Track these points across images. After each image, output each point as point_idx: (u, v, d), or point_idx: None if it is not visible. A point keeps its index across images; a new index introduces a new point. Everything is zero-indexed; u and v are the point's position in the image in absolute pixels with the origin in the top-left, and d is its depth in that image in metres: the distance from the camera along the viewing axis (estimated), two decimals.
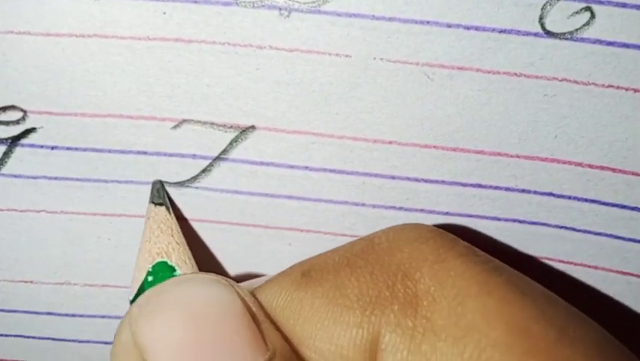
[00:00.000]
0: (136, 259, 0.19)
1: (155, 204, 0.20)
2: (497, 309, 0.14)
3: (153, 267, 0.18)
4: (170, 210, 0.20)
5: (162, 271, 0.18)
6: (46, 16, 0.18)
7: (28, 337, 0.23)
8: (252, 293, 0.16)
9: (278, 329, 0.15)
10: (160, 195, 0.20)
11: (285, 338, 0.15)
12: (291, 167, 0.20)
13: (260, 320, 0.15)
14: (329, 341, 0.15)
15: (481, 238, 0.20)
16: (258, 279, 0.19)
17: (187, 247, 0.19)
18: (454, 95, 0.19)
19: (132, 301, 0.18)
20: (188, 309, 0.14)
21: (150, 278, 0.18)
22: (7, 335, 0.23)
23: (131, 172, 0.20)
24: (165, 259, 0.18)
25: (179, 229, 0.19)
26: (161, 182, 0.20)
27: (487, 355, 0.13)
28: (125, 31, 0.19)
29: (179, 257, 0.18)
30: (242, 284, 0.17)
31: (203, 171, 0.20)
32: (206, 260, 0.21)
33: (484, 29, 0.18)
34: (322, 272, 0.16)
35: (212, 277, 0.16)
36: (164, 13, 0.18)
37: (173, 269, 0.18)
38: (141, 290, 0.18)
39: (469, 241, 0.16)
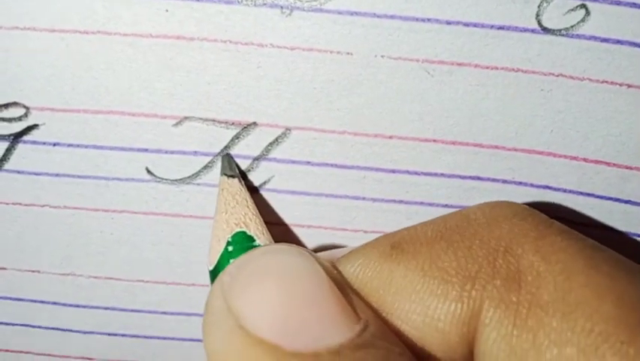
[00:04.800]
0: (212, 230, 0.19)
1: (228, 176, 0.20)
2: (606, 284, 0.14)
3: (232, 237, 0.18)
4: (242, 182, 0.20)
5: (242, 242, 0.18)
6: (51, 12, 0.19)
7: (34, 326, 0.23)
8: (334, 264, 0.16)
9: (364, 300, 0.15)
10: (231, 167, 0.20)
11: (374, 309, 0.15)
12: (293, 162, 0.20)
13: (347, 290, 0.15)
14: (424, 313, 0.15)
15: None
16: (335, 250, 0.19)
17: (261, 219, 0.19)
18: (453, 90, 0.19)
19: (213, 272, 0.18)
20: (280, 277, 0.14)
21: (230, 248, 0.18)
22: (14, 324, 0.23)
23: (132, 169, 0.21)
24: (244, 229, 0.18)
25: (253, 201, 0.19)
26: (229, 155, 0.20)
27: (599, 328, 0.13)
28: (127, 28, 0.19)
29: (257, 228, 0.18)
30: (321, 254, 0.17)
31: (205, 167, 0.20)
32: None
33: (482, 26, 0.18)
34: (415, 245, 0.16)
35: (295, 248, 0.16)
36: (167, 10, 0.18)
37: (252, 239, 0.18)
38: (222, 260, 0.18)
39: None
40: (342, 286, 0.15)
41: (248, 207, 0.19)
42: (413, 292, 0.15)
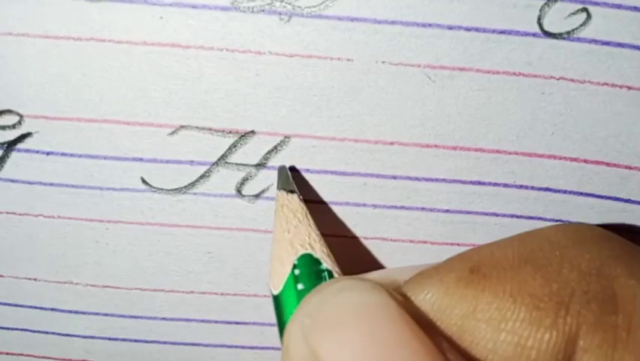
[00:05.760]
0: (273, 250, 0.18)
1: (287, 191, 0.19)
2: None
3: (298, 260, 0.17)
4: (301, 197, 0.19)
5: (308, 265, 0.17)
6: (45, 18, 0.18)
7: (34, 331, 0.23)
8: (402, 292, 0.15)
9: (443, 333, 0.14)
10: (289, 181, 0.19)
11: (454, 340, 0.14)
12: (292, 170, 0.20)
13: (434, 330, 0.14)
14: (515, 342, 0.14)
15: None
16: (389, 270, 0.18)
17: (322, 238, 0.18)
18: (454, 95, 0.19)
19: (278, 296, 0.17)
20: (363, 320, 0.14)
21: (297, 272, 0.17)
22: (14, 329, 0.23)
23: (127, 179, 0.20)
24: (310, 252, 0.17)
25: (312, 219, 0.18)
26: (285, 167, 0.19)
27: None
28: (121, 35, 0.18)
29: (322, 250, 0.17)
30: (378, 276, 0.16)
31: (202, 176, 0.20)
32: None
33: (484, 30, 0.18)
34: (497, 269, 0.15)
35: (368, 283, 0.15)
36: (161, 17, 0.18)
37: (318, 262, 0.17)
38: (288, 284, 0.17)
39: None
40: (427, 325, 0.14)
41: (310, 226, 0.18)
42: (502, 321, 0.14)
